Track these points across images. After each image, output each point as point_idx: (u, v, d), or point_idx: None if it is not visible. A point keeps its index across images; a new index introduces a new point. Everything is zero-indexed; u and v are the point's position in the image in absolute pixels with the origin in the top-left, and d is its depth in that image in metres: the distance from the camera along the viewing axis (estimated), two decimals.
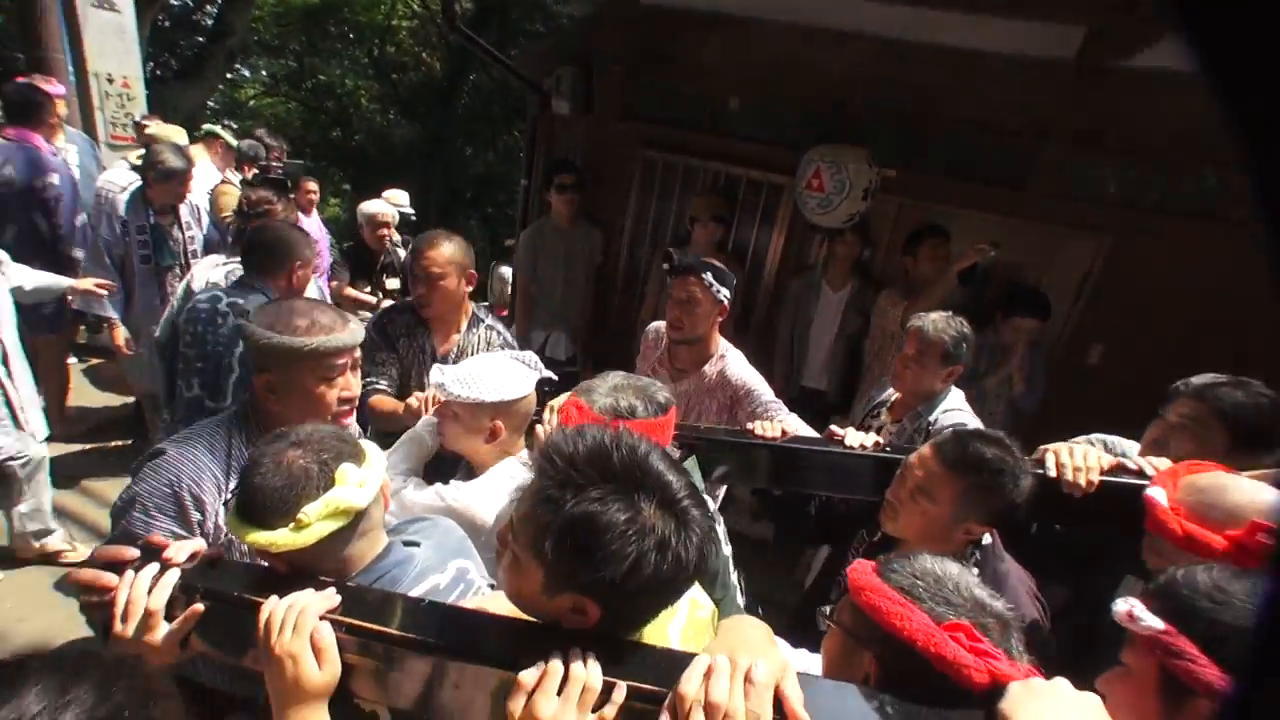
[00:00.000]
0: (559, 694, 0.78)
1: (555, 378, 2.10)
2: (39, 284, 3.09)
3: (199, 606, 0.96)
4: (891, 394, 2.45)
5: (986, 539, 1.55)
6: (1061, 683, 0.79)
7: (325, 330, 1.51)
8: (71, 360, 4.55)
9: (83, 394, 4.50)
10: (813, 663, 1.09)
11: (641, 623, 0.91)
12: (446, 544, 1.28)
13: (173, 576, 0.98)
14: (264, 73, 15.12)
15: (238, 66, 13.33)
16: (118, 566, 1.00)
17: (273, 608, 0.92)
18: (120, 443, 4.05)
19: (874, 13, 2.92)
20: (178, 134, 4.22)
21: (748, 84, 3.55)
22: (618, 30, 3.80)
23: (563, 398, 1.54)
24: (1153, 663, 0.88)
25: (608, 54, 3.81)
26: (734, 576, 1.64)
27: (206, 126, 4.58)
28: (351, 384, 1.59)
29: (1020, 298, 3.00)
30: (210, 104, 12.10)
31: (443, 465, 1.86)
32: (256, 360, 1.52)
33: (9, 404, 2.82)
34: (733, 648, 0.82)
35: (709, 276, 2.22)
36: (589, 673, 0.80)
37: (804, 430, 2.06)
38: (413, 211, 5.42)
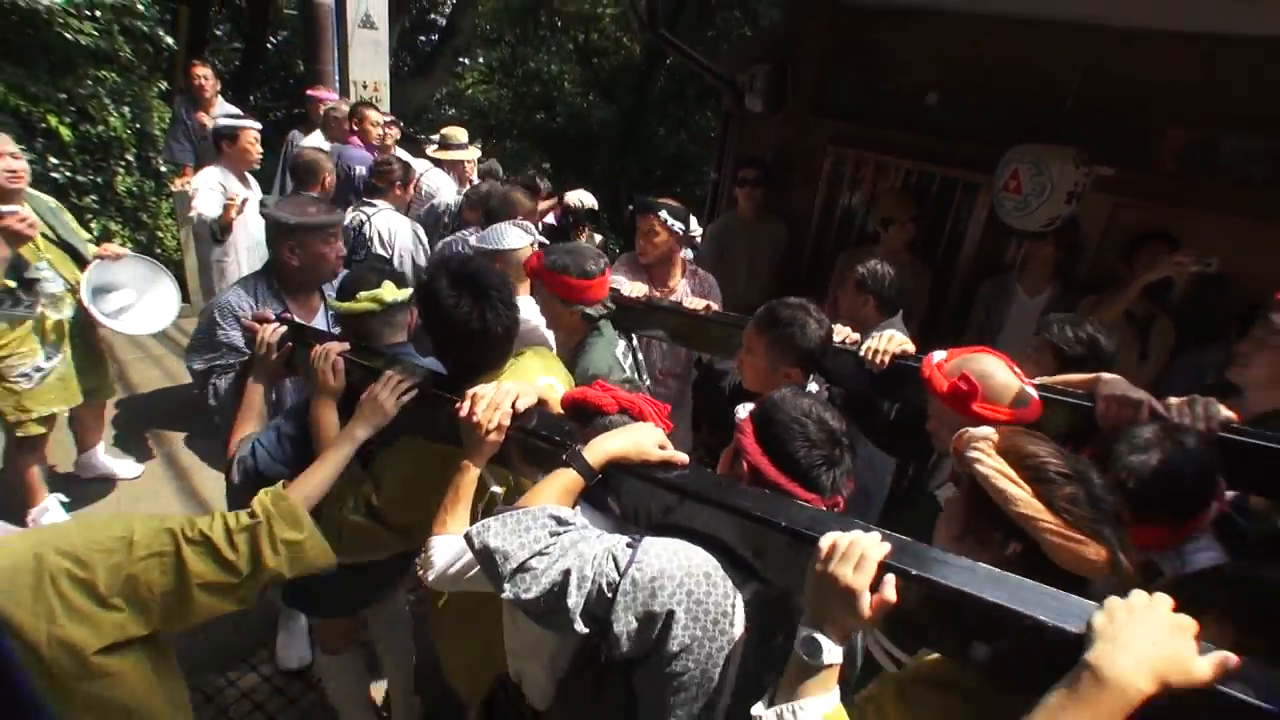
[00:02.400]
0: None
1: (547, 242, 2.94)
2: None
3: (290, 345, 1.89)
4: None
5: (812, 388, 2.04)
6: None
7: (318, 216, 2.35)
8: None
9: None
10: None
11: (470, 366, 1.71)
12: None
13: (282, 329, 1.90)
14: (480, 60, 16.59)
15: (462, 60, 14.74)
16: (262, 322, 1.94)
17: (317, 348, 1.77)
18: None
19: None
20: (460, 133, 4.94)
21: (949, 79, 3.44)
22: (814, 26, 3.83)
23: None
24: (736, 436, 1.33)
25: (803, 50, 3.85)
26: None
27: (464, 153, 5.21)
28: (342, 250, 2.47)
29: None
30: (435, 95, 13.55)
31: None
32: (278, 236, 2.32)
33: None
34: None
35: (664, 214, 2.89)
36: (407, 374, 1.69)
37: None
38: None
